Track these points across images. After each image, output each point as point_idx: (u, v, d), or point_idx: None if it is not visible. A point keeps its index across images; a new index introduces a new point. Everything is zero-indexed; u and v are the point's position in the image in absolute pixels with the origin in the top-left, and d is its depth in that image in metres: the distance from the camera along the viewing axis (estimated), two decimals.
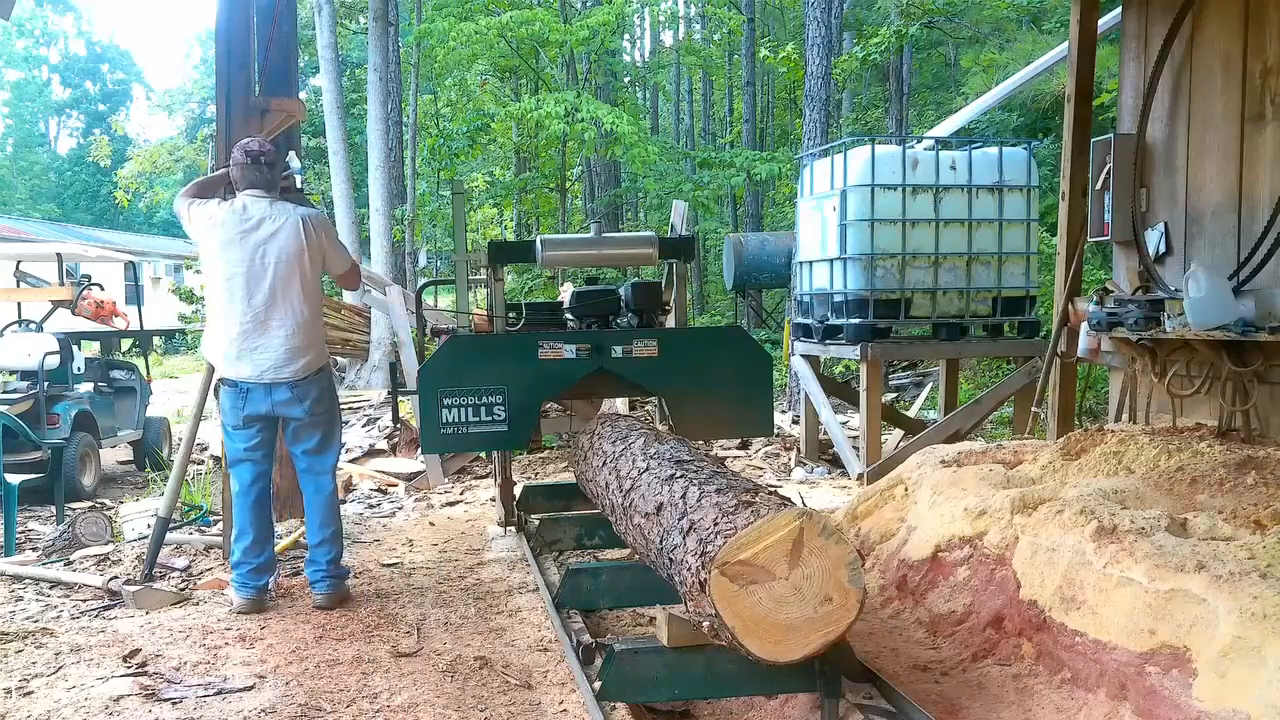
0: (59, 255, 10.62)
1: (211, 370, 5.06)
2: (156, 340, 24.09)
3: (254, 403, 4.63)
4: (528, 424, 5.32)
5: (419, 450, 8.35)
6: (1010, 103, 13.58)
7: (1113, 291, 6.14)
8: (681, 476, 3.60)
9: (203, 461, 8.46)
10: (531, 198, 25.30)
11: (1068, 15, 7.83)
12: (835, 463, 8.70)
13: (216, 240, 4.59)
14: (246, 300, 4.55)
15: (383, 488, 8.19)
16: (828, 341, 8.45)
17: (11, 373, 9.25)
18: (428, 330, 6.70)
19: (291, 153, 5.40)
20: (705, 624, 3.08)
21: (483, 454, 8.43)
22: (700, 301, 22.75)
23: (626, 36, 28.49)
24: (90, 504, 8.18)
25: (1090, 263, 10.30)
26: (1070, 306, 6.51)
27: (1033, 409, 7.02)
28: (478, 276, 6.51)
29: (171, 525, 5.38)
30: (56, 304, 10.06)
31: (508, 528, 6.13)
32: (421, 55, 20.83)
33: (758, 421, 5.62)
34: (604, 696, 3.35)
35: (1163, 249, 6.16)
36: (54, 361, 9.13)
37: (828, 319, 8.40)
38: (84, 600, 4.85)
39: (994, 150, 8.32)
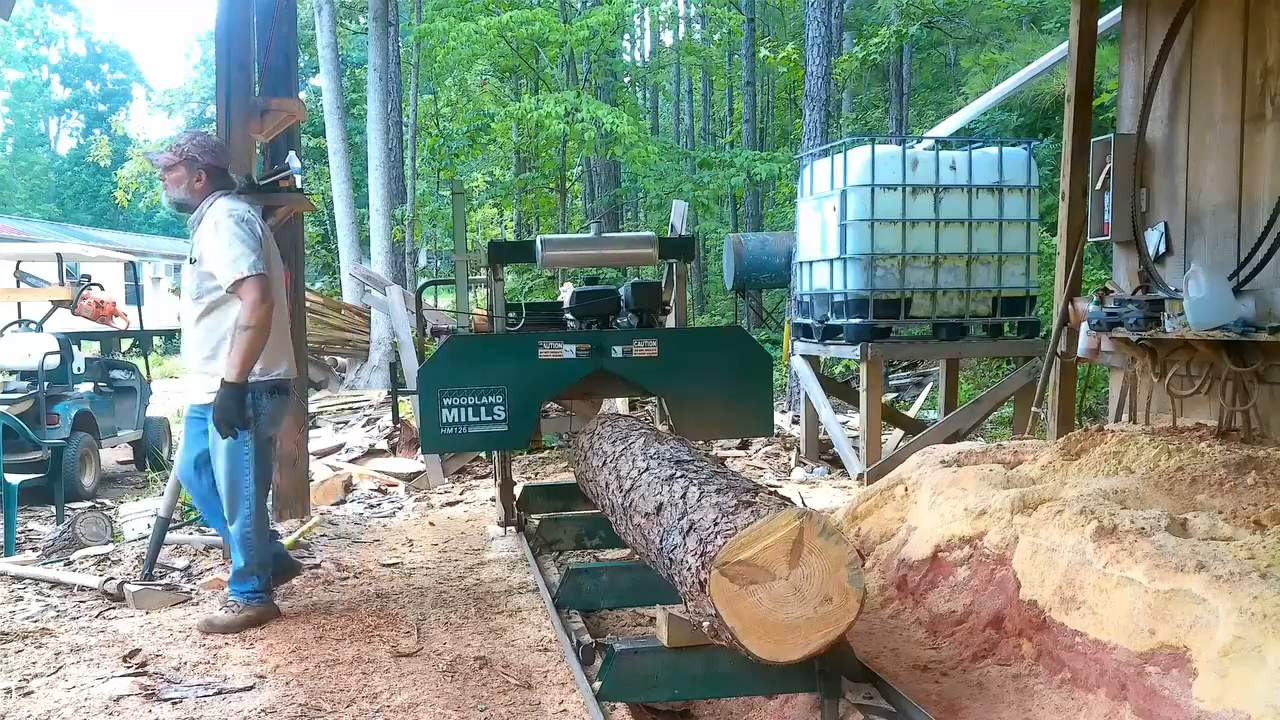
0: (59, 255, 10.62)
1: None
2: (156, 340, 24.06)
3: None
4: (528, 424, 5.32)
5: (419, 450, 8.35)
6: (1010, 103, 13.57)
7: (1113, 291, 6.14)
8: (681, 476, 3.60)
9: None
10: (531, 198, 25.31)
11: (1068, 15, 7.83)
12: (835, 463, 8.69)
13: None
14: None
15: (383, 488, 8.19)
16: (828, 341, 8.45)
17: (11, 373, 9.25)
18: (428, 330, 6.70)
19: (291, 153, 5.41)
20: (705, 624, 3.08)
21: (483, 454, 8.44)
22: (700, 301, 22.74)
23: (626, 36, 28.51)
24: (90, 504, 8.17)
25: (1090, 263, 10.30)
26: (1070, 306, 6.51)
27: (1033, 409, 7.02)
28: (478, 276, 6.52)
29: (171, 525, 5.37)
30: (56, 304, 10.05)
31: (508, 528, 6.13)
32: (421, 55, 20.82)
33: (758, 421, 5.62)
34: (604, 696, 3.35)
35: (1163, 249, 6.16)
36: (54, 361, 9.13)
37: (828, 319, 8.40)
38: (84, 600, 4.85)
39: (994, 150, 8.32)
